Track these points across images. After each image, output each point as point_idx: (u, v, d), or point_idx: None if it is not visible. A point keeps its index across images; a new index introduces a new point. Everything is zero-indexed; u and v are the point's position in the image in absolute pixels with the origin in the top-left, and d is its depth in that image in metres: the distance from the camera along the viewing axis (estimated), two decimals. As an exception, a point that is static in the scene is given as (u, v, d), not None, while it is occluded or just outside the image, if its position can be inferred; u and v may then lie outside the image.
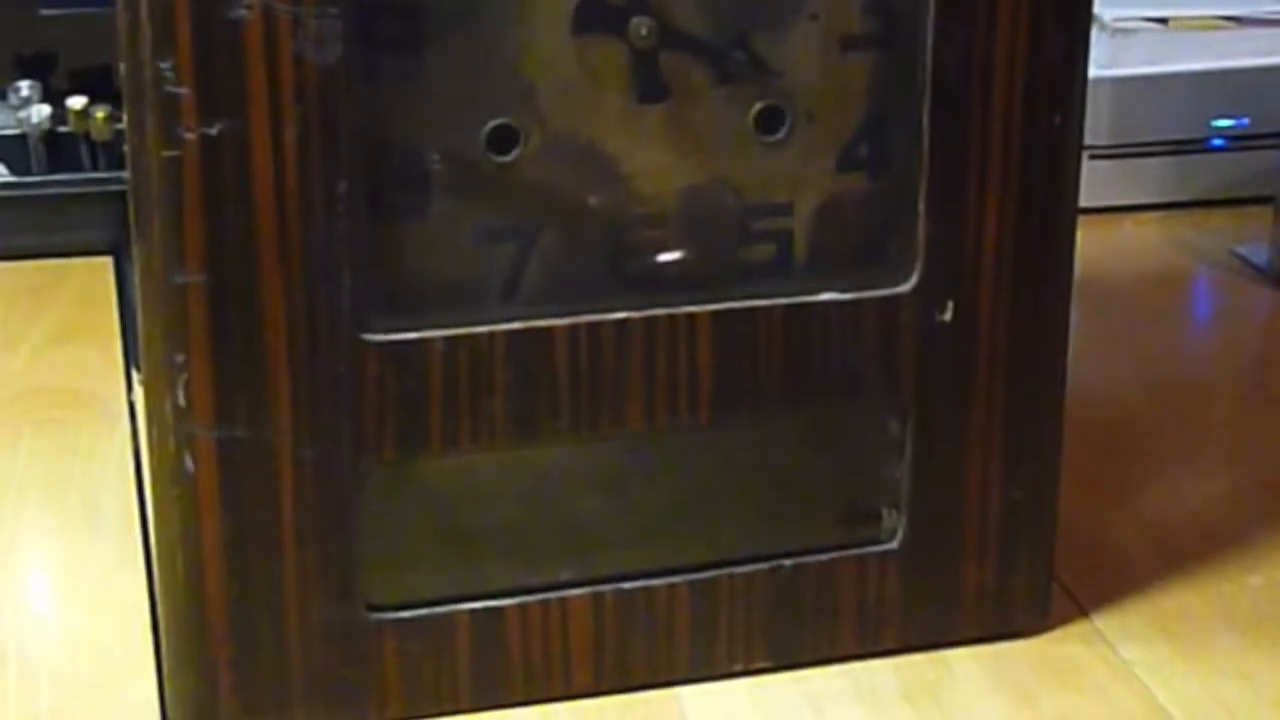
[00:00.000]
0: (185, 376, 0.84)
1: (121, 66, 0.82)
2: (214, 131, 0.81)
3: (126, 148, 0.84)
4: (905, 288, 0.91)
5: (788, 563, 0.94)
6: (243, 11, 0.80)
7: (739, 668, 0.95)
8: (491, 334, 0.87)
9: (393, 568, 0.90)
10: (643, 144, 0.89)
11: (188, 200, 0.82)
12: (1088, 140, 1.00)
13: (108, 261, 1.48)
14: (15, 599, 1.02)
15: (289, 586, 0.88)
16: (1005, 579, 0.97)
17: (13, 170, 1.48)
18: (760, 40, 0.89)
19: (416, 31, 0.85)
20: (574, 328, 0.88)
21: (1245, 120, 1.64)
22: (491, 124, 0.87)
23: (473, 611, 0.91)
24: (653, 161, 0.89)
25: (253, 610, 0.88)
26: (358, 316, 0.85)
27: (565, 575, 0.92)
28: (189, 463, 0.85)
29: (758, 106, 0.90)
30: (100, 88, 1.49)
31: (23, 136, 1.48)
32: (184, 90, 0.81)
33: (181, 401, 0.84)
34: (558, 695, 0.93)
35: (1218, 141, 1.65)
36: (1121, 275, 1.52)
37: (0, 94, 1.52)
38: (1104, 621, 1.01)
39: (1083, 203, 0.94)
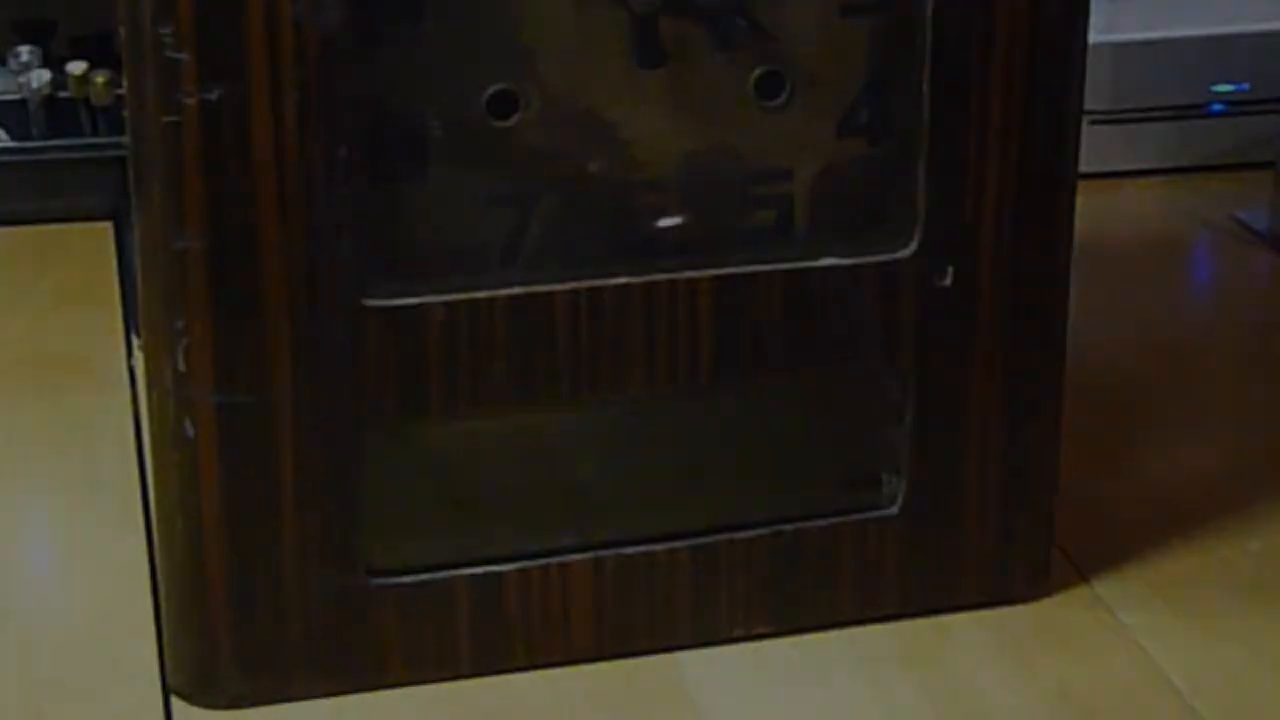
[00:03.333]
0: (185, 342, 0.84)
1: (121, 31, 0.82)
2: (214, 97, 0.81)
3: (126, 113, 0.83)
4: (905, 253, 0.91)
5: (788, 528, 0.94)
6: (242, -24, 0.80)
7: (739, 633, 0.95)
8: (492, 299, 0.87)
9: (393, 532, 0.90)
10: (643, 109, 0.89)
11: (187, 165, 0.82)
12: (1088, 105, 0.99)
13: (107, 227, 1.48)
14: (16, 563, 1.02)
15: (289, 551, 0.88)
16: (1005, 544, 0.97)
17: (12, 135, 1.48)
18: (760, 5, 0.89)
19: (416, -4, 0.85)
20: (574, 293, 0.88)
21: (1246, 85, 1.64)
22: (492, 89, 0.86)
23: (473, 576, 0.91)
24: (653, 127, 0.89)
25: (253, 575, 0.88)
26: (358, 281, 0.85)
27: (565, 540, 0.92)
28: (189, 428, 0.85)
29: (758, 72, 0.90)
30: (100, 53, 1.49)
31: (23, 102, 1.48)
32: (184, 55, 0.80)
33: (181, 366, 0.85)
34: (558, 660, 0.93)
35: (1218, 106, 1.64)
36: (1122, 240, 1.52)
37: (0, 59, 1.51)
38: (1104, 587, 1.01)
39: (1083, 168, 0.94)
